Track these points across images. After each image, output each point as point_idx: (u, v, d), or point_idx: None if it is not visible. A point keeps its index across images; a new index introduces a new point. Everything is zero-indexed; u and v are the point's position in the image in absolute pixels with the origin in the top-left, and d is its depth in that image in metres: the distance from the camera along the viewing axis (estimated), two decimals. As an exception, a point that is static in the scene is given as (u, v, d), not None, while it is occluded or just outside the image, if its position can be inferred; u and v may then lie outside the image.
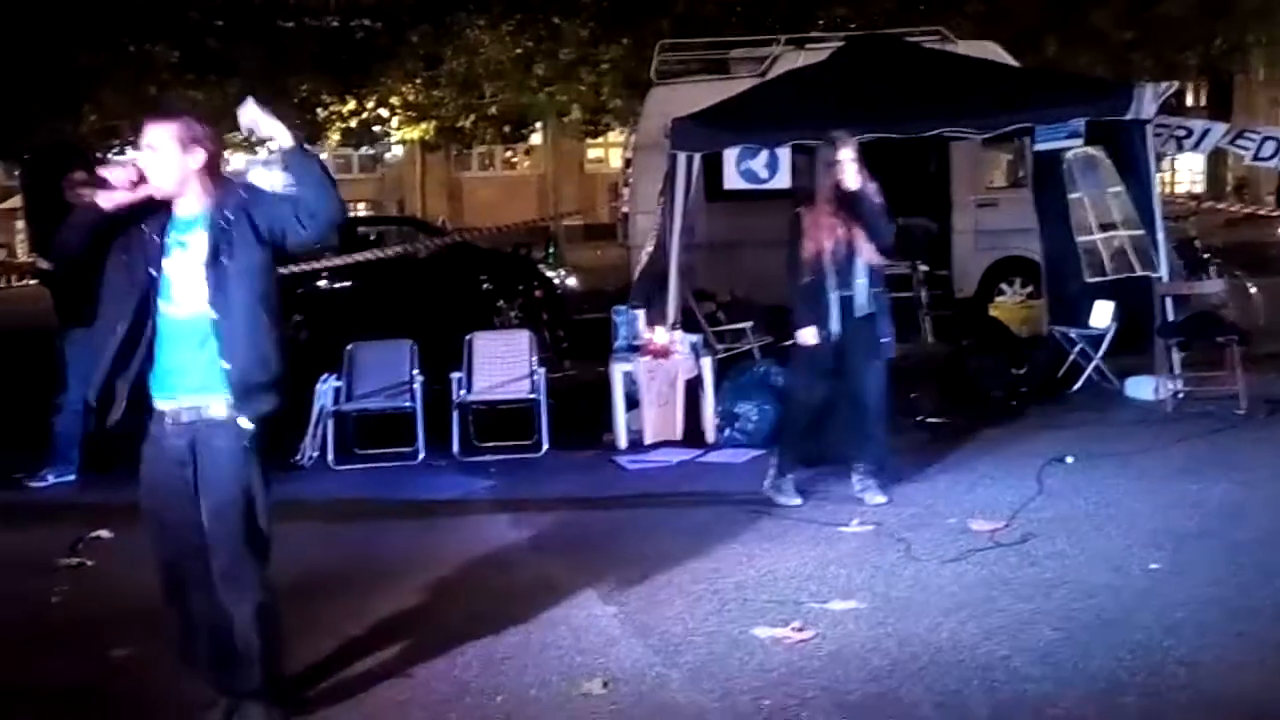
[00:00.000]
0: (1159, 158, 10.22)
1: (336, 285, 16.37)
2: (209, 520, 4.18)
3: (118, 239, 4.16)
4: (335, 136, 28.27)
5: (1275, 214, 22.55)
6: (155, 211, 4.19)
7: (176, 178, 4.16)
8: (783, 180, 9.41)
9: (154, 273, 4.14)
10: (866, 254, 6.92)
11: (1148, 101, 9.15)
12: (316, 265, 14.85)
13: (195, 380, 4.15)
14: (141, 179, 4.11)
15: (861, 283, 6.93)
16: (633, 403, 8.85)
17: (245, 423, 4.17)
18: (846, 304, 6.94)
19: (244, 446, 4.19)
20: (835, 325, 6.97)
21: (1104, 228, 9.82)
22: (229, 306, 4.11)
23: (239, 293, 4.12)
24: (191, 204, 4.20)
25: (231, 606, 4.21)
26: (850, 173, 6.80)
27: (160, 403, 4.19)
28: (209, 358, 4.12)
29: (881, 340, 7.00)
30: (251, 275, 4.15)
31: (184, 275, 4.15)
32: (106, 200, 4.10)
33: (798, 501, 7.05)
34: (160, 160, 4.13)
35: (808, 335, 7.01)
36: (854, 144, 6.88)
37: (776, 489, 7.15)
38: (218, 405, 4.15)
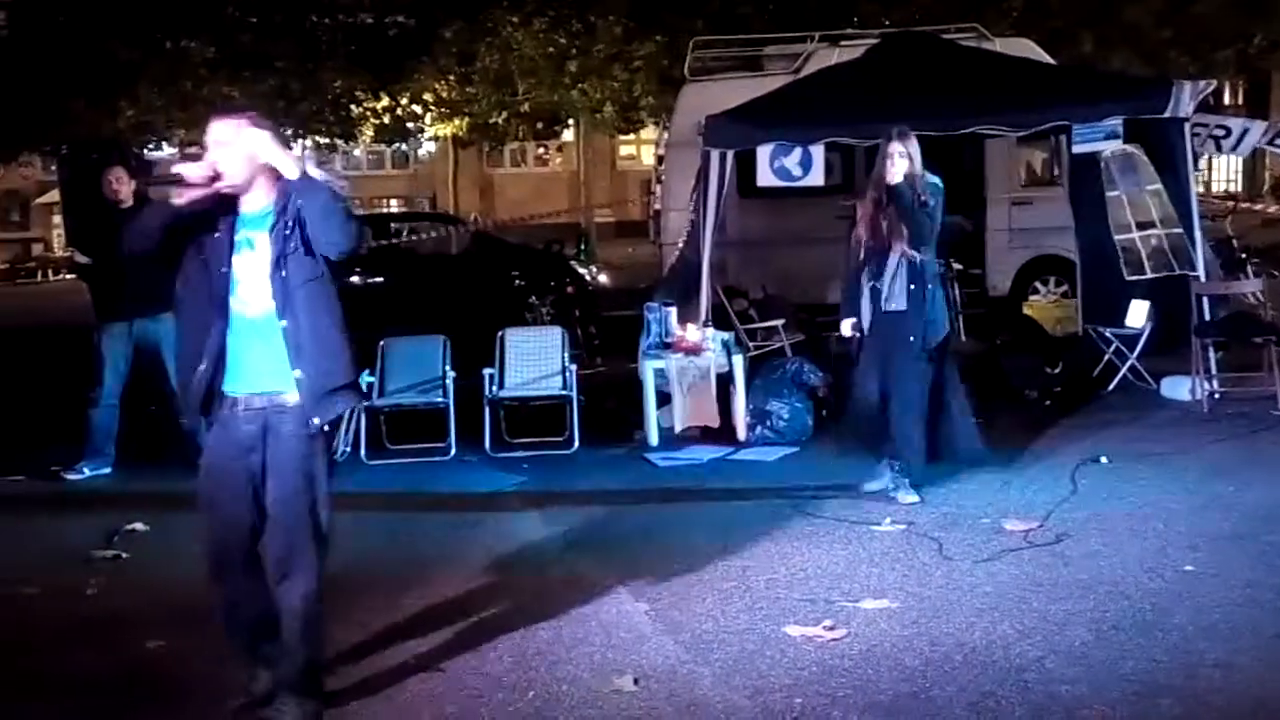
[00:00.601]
0: (1196, 157, 10.15)
1: (369, 280, 16.47)
2: (272, 506, 4.26)
3: (193, 236, 4.22)
4: (369, 133, 28.35)
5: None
6: (226, 209, 4.23)
7: (245, 173, 4.20)
8: (816, 178, 9.41)
9: (225, 270, 4.21)
10: (899, 250, 6.90)
11: (1186, 100, 9.07)
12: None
13: (268, 373, 4.23)
14: (216, 175, 4.17)
15: (893, 278, 6.92)
16: (664, 400, 8.84)
17: (316, 421, 4.27)
18: (877, 297, 6.98)
19: (311, 435, 4.29)
20: (865, 318, 7.04)
21: (1142, 226, 9.76)
22: (296, 314, 4.18)
23: (304, 300, 4.19)
24: (259, 199, 4.25)
25: (282, 593, 4.28)
26: (895, 167, 6.81)
27: (232, 390, 4.25)
28: (281, 356, 4.20)
29: (909, 338, 6.94)
30: (313, 281, 4.22)
31: (251, 276, 4.22)
32: (182, 196, 4.16)
33: (913, 499, 6.95)
34: (230, 155, 4.17)
35: (844, 327, 7.19)
36: (908, 139, 6.87)
37: (895, 485, 7.06)
38: (291, 394, 4.24)
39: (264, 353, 4.21)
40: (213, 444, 4.33)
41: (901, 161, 6.82)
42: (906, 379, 7.00)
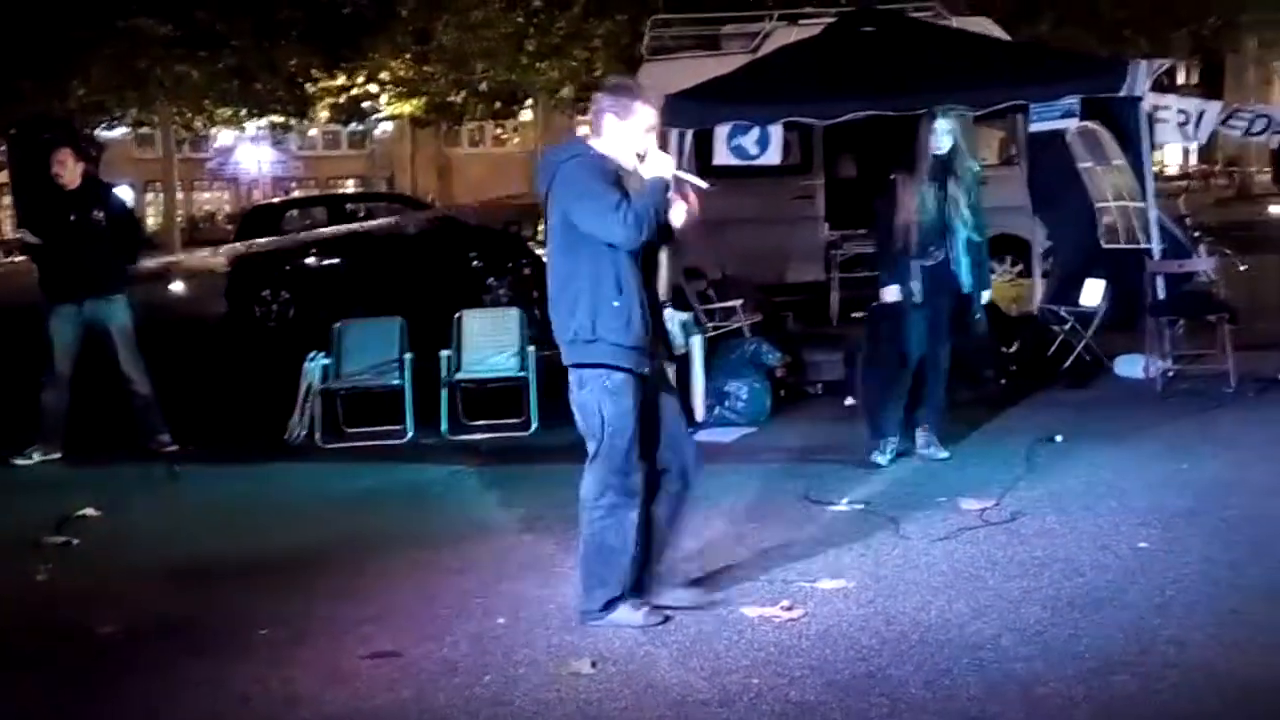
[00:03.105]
0: (1160, 145, 10.22)
1: (325, 262, 16.35)
2: (674, 432, 4.99)
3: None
4: (324, 112, 28.16)
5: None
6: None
7: None
8: (774, 157, 9.37)
9: None
10: (958, 226, 7.14)
11: (1141, 78, 9.11)
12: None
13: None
14: None
15: (954, 254, 7.15)
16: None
17: None
18: (928, 273, 7.15)
19: None
20: (917, 293, 7.19)
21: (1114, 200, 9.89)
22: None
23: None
24: None
25: (675, 498, 5.03)
26: (943, 142, 7.01)
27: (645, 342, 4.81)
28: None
29: (976, 316, 7.42)
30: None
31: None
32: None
33: (884, 461, 7.26)
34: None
35: (889, 293, 7.30)
36: (953, 118, 7.10)
37: (873, 449, 7.34)
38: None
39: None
40: (637, 389, 4.86)
41: (948, 138, 7.02)
42: (948, 351, 7.34)
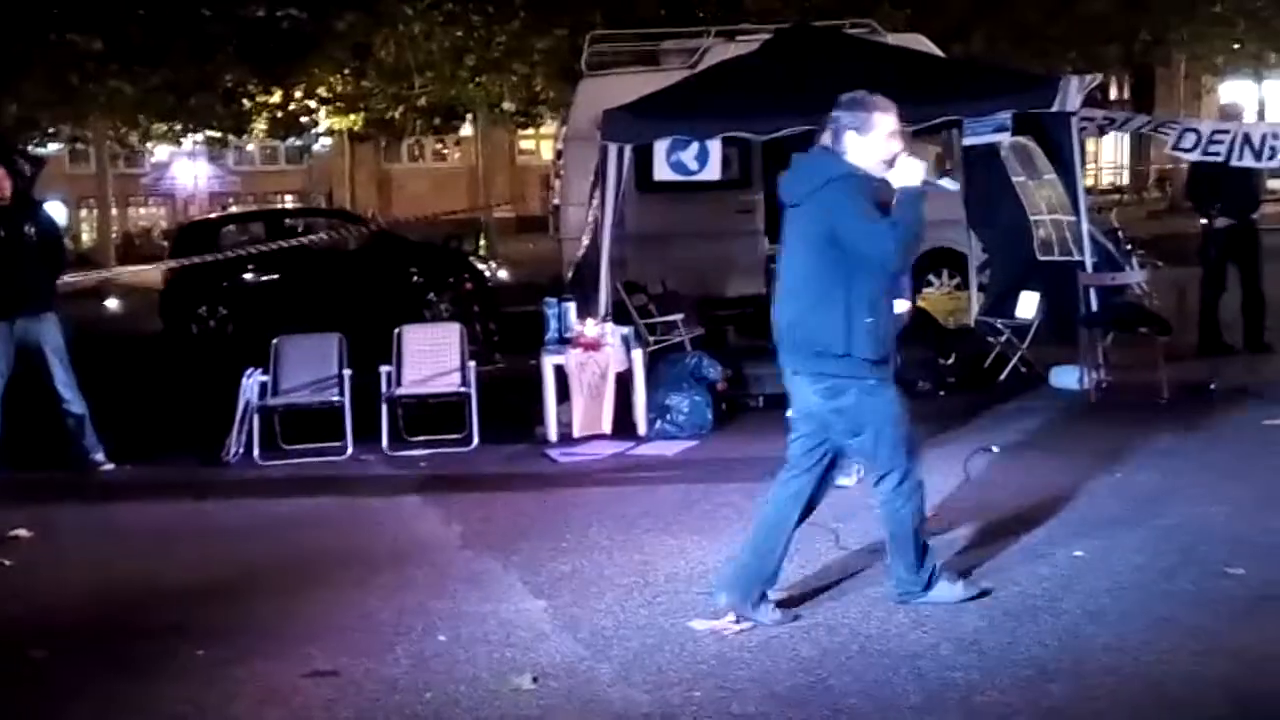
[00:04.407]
0: (1083, 147, 10.39)
1: (263, 278, 16.20)
2: None
3: None
4: (261, 127, 27.92)
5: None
6: None
7: None
8: (713, 172, 9.42)
9: None
10: None
11: (1073, 94, 9.25)
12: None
13: None
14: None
15: None
16: (564, 395, 8.82)
17: None
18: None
19: None
20: None
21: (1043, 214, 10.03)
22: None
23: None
24: None
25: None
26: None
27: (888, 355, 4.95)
28: None
29: None
30: None
31: None
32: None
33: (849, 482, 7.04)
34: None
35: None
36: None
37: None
38: None
39: None
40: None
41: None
42: None
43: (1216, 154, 9.74)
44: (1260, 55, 29.57)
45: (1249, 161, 9.76)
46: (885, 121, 4.93)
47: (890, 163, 4.93)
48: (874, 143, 4.92)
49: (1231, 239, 10.37)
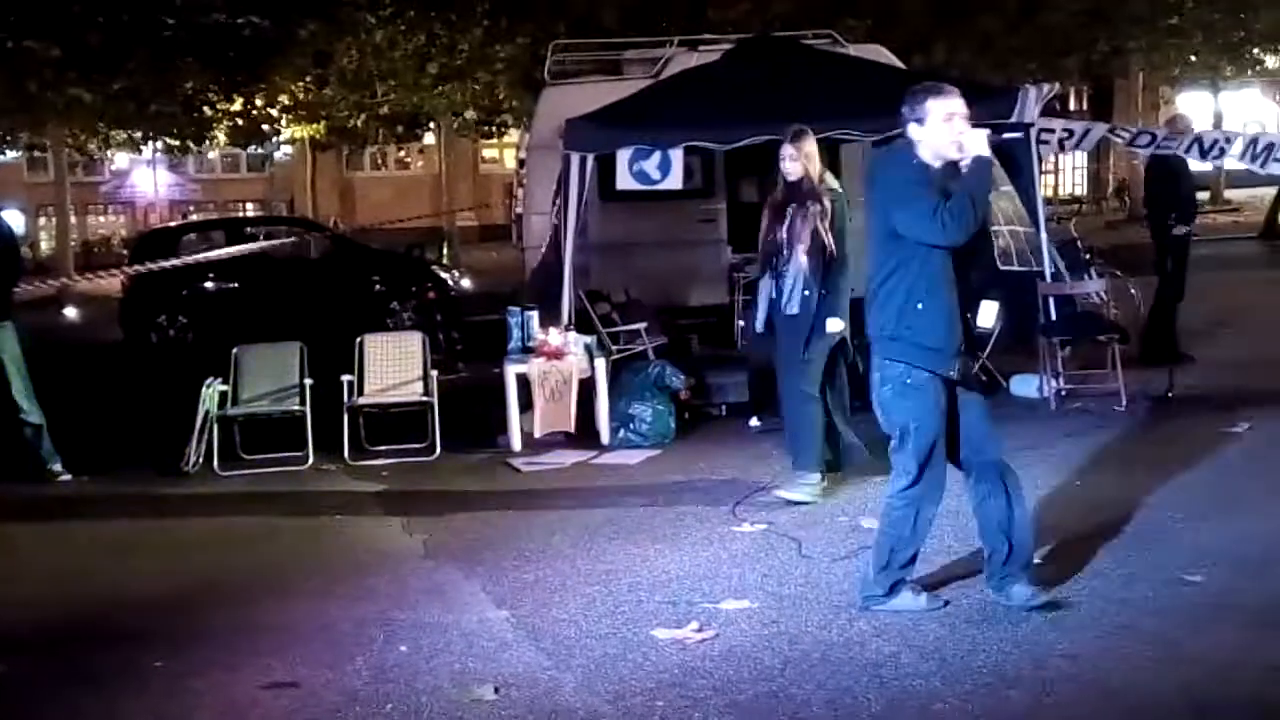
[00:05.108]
0: (1042, 160, 10.51)
1: (224, 286, 16.09)
2: (976, 434, 5.16)
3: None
4: (222, 135, 27.76)
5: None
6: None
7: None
8: (675, 181, 9.43)
9: None
10: (798, 253, 6.92)
11: (1031, 104, 9.34)
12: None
13: None
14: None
15: (789, 282, 6.95)
16: (527, 404, 8.80)
17: None
18: (776, 301, 7.04)
19: None
20: (760, 318, 7.13)
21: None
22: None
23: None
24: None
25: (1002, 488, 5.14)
26: (789, 167, 6.92)
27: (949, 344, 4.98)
28: None
29: (799, 345, 6.95)
30: None
31: None
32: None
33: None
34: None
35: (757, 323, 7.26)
36: (802, 140, 6.95)
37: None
38: None
39: None
40: None
41: (793, 164, 6.92)
42: (793, 383, 7.08)
43: (1169, 147, 10.31)
44: (1216, 67, 29.93)
45: (1195, 157, 10.42)
46: (939, 107, 4.96)
47: (959, 146, 4.96)
48: (934, 130, 4.96)
49: (1183, 247, 10.58)
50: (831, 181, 7.08)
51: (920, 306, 4.91)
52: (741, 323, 7.36)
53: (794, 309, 6.95)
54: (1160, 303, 10.54)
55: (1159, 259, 10.68)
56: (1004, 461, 5.17)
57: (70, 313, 22.36)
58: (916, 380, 4.97)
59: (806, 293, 6.91)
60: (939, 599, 5.19)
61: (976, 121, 5.09)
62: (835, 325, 7.00)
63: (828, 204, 6.91)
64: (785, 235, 6.95)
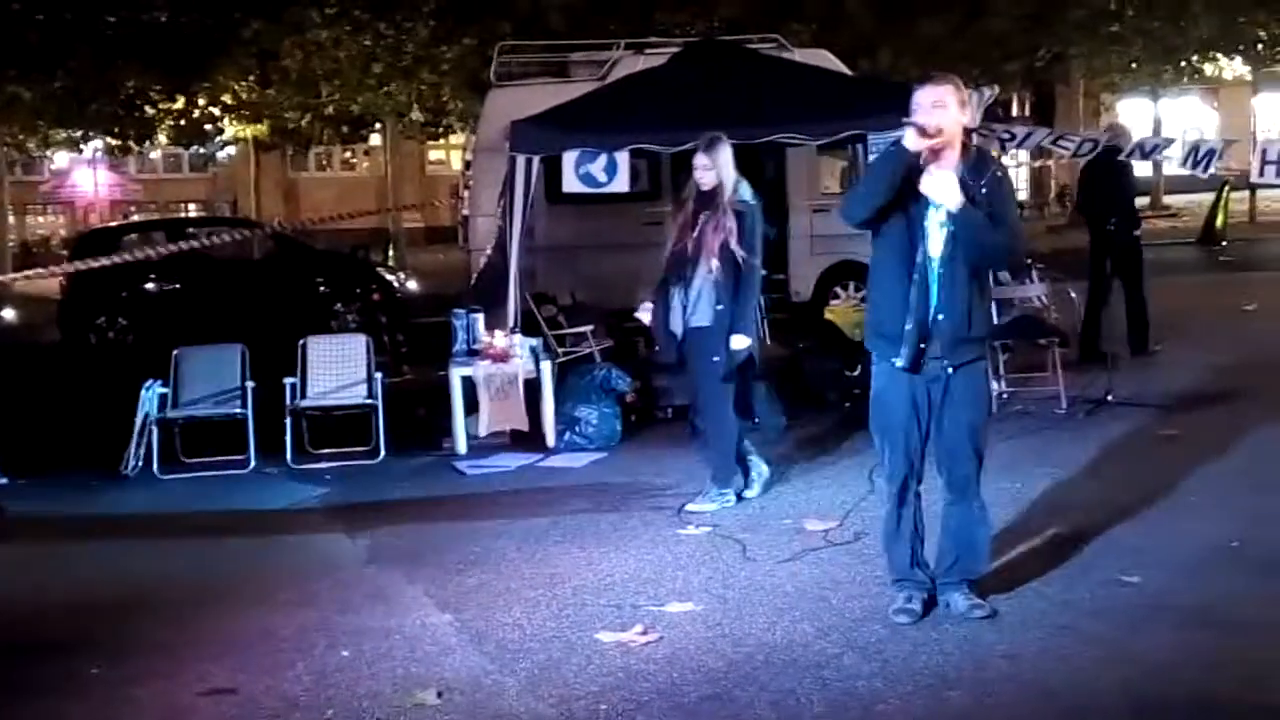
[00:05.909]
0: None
1: (165, 287, 15.92)
2: (949, 446, 5.00)
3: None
4: (164, 135, 27.44)
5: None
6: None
7: (956, 133, 4.86)
8: (621, 184, 9.42)
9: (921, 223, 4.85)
10: (707, 263, 6.76)
11: (973, 108, 9.41)
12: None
13: None
14: (938, 131, 4.79)
15: (699, 292, 6.83)
16: (472, 407, 8.77)
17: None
18: (682, 310, 6.92)
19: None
20: (676, 328, 6.97)
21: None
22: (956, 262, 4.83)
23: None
24: (953, 159, 4.86)
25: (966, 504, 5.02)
26: (703, 177, 6.78)
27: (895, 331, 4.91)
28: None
29: (713, 356, 6.81)
30: None
31: (935, 227, 4.83)
32: (915, 142, 4.77)
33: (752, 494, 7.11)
34: (949, 116, 4.82)
35: (641, 313, 7.24)
36: (716, 149, 6.81)
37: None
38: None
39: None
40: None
41: (706, 174, 6.78)
42: (704, 392, 7.00)
43: (1116, 145, 10.52)
44: (1157, 74, 30.33)
45: (1136, 158, 10.86)
46: (920, 96, 4.95)
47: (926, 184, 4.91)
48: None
49: (1119, 252, 10.80)
50: (745, 192, 6.87)
51: (868, 292, 5.09)
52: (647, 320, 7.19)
53: (704, 320, 6.81)
54: (1094, 305, 10.72)
55: (1094, 261, 10.90)
56: (974, 487, 5.08)
57: (7, 314, 22.00)
58: (876, 370, 5.07)
59: (719, 306, 6.75)
60: (908, 615, 5.05)
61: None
62: (741, 342, 6.81)
63: (736, 219, 6.72)
64: (694, 245, 6.79)
